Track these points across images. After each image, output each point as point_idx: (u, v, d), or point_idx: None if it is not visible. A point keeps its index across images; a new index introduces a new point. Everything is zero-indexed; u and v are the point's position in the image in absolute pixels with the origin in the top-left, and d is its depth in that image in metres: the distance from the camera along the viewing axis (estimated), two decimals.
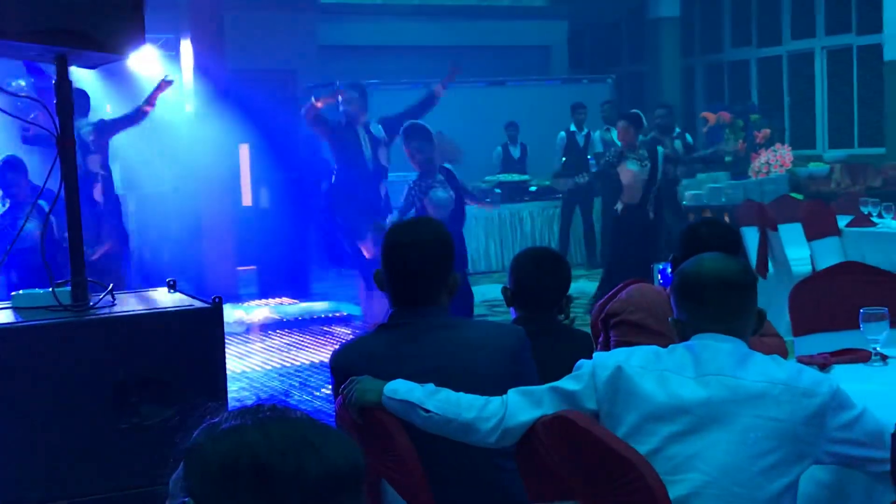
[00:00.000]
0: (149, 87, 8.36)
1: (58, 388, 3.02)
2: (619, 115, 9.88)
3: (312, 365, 7.96)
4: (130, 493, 3.06)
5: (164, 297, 3.52)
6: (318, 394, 6.99)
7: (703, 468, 2.46)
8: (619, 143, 12.50)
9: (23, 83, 9.56)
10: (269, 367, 7.97)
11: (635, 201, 8.91)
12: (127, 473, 3.06)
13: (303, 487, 1.30)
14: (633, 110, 9.54)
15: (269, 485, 1.30)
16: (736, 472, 2.44)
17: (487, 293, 9.96)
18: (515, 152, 13.47)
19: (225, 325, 3.33)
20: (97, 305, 3.28)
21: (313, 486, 1.31)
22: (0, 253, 6.09)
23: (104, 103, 10.04)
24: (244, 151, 10.04)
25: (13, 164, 7.25)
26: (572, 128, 12.84)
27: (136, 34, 3.22)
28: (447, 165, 7.74)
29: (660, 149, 9.20)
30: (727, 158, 12.62)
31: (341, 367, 2.96)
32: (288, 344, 8.88)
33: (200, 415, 1.42)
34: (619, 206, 9.08)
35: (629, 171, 8.85)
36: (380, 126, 8.61)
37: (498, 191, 12.56)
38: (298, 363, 8.08)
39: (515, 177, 12.97)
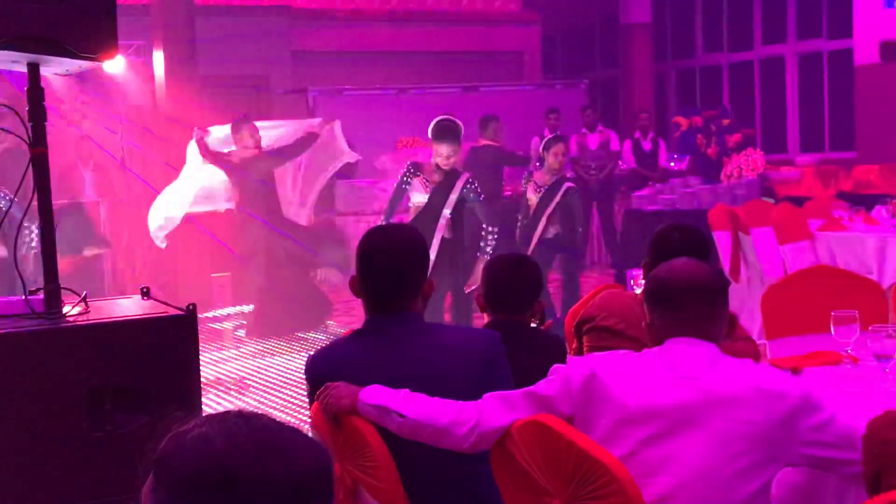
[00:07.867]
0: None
1: (30, 396, 3.00)
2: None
3: (288, 371, 7.94)
4: (103, 502, 3.05)
5: (138, 305, 3.50)
6: (293, 400, 6.98)
7: (677, 471, 2.47)
8: (590, 149, 12.58)
9: None
10: (244, 374, 7.94)
11: None
12: (100, 483, 3.04)
13: (272, 494, 1.30)
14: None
15: (238, 493, 1.29)
16: (709, 474, 2.46)
17: None
18: None
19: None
20: (70, 313, 3.26)
21: (282, 492, 1.31)
22: None
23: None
24: None
25: None
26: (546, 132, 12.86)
27: (109, 40, 3.20)
28: None
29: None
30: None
31: (317, 374, 2.96)
32: (262, 350, 8.86)
33: (168, 424, 1.41)
34: None
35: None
36: None
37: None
38: (273, 369, 8.06)
39: None
